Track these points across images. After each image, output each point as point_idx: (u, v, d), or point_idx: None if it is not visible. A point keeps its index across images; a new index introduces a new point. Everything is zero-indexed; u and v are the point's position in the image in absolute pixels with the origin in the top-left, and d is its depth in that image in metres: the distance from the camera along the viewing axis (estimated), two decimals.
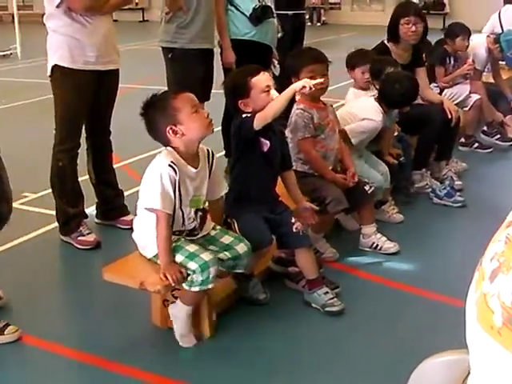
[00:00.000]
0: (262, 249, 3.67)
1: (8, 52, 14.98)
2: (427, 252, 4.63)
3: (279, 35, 6.10)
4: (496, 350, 1.12)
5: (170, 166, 3.19)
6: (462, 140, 6.89)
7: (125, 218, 4.92)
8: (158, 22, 19.13)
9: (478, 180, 6.10)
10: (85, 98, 4.48)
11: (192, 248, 3.29)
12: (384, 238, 4.53)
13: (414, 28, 5.56)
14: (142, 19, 24.27)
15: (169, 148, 3.30)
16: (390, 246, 4.51)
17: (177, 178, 3.21)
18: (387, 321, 3.75)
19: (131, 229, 4.76)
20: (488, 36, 7.54)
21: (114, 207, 4.96)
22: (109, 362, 3.32)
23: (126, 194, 5.13)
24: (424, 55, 5.99)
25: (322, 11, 24.14)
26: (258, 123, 3.56)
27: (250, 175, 3.70)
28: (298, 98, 4.12)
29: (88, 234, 4.61)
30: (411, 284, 4.13)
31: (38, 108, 9.49)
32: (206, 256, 3.24)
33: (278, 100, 3.57)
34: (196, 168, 3.33)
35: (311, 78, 3.90)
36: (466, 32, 6.88)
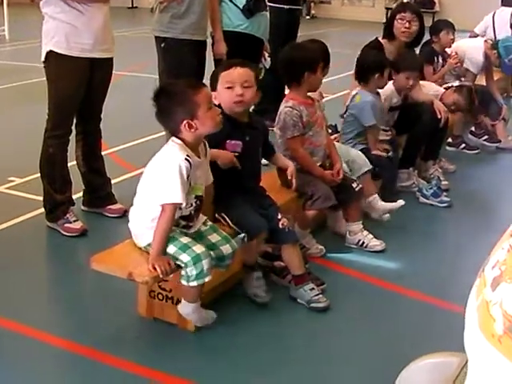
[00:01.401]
0: (260, 234, 3.64)
1: None
2: (412, 251, 4.65)
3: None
4: (496, 358, 1.13)
5: (186, 159, 3.19)
6: (450, 140, 6.92)
7: (112, 207, 4.91)
8: (147, 9, 19.05)
9: (465, 180, 6.13)
10: (79, 85, 4.47)
11: (185, 240, 3.29)
12: (370, 236, 4.55)
13: (407, 25, 5.59)
14: (131, 5, 24.11)
15: (177, 140, 3.28)
16: (376, 243, 4.53)
17: (190, 172, 3.22)
18: (372, 319, 3.77)
19: (118, 217, 4.84)
20: (486, 41, 7.57)
21: (102, 195, 4.94)
22: (94, 351, 3.31)
23: (113, 181, 5.13)
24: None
25: (312, 4, 24.13)
26: None
27: (227, 173, 3.68)
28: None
29: (74, 221, 4.60)
30: (396, 283, 4.15)
31: (25, 91, 9.45)
32: (199, 248, 3.25)
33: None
34: (199, 158, 3.34)
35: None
36: (449, 26, 6.92)
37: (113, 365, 3.23)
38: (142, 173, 5.58)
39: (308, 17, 23.60)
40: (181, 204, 3.22)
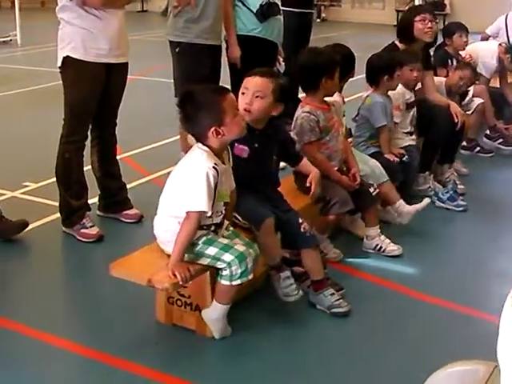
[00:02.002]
0: (265, 221, 3.57)
1: (8, 38, 14.89)
2: (430, 256, 4.63)
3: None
4: None
5: (213, 167, 3.19)
6: (464, 144, 6.89)
7: (128, 212, 4.90)
8: (157, 13, 19.18)
9: (480, 184, 6.11)
10: (95, 90, 4.47)
11: (224, 240, 3.31)
12: (388, 241, 4.53)
13: (430, 24, 5.57)
14: (141, 9, 24.14)
15: (204, 147, 3.27)
16: (393, 248, 4.51)
17: (218, 179, 3.21)
18: (391, 324, 3.75)
19: (134, 222, 4.84)
20: (500, 45, 7.54)
21: (118, 200, 4.94)
22: (112, 357, 3.31)
23: (128, 186, 5.11)
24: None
25: (322, 8, 24.10)
26: None
27: (238, 173, 3.60)
28: None
29: (91, 226, 4.59)
30: (414, 288, 4.13)
31: (37, 96, 9.48)
32: (241, 247, 3.27)
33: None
34: (224, 164, 3.33)
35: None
36: (462, 29, 6.87)
37: (131, 371, 3.22)
38: (156, 177, 5.74)
39: (318, 20, 23.56)
40: (206, 212, 3.21)
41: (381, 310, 3.89)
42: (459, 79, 6.18)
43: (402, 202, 4.79)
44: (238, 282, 3.26)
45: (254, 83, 3.68)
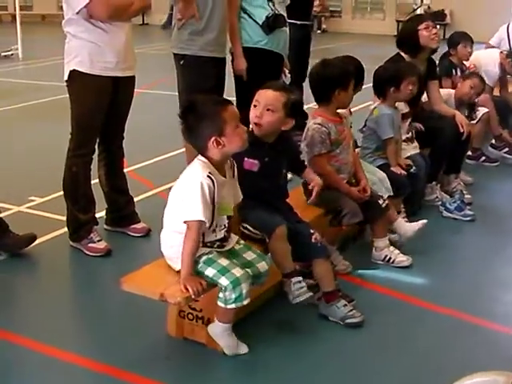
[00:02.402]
0: (276, 229, 3.56)
1: (9, 53, 14.93)
2: (439, 266, 4.62)
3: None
4: None
5: (208, 177, 3.19)
6: (469, 153, 6.88)
7: (136, 226, 4.89)
8: (158, 26, 19.25)
9: (486, 193, 6.11)
10: (102, 103, 4.46)
11: (224, 262, 3.27)
12: (397, 251, 4.52)
13: (434, 31, 5.57)
14: (142, 22, 24.22)
15: (202, 158, 3.28)
16: (403, 259, 4.50)
17: (214, 189, 3.20)
18: (403, 335, 3.73)
19: (142, 236, 4.82)
20: (501, 52, 7.55)
21: (125, 214, 4.93)
22: (123, 371, 3.29)
23: (135, 200, 5.09)
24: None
25: (323, 19, 24.16)
26: None
27: (248, 187, 3.60)
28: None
29: (99, 241, 4.58)
30: (425, 298, 4.12)
31: (39, 110, 9.48)
32: (238, 272, 3.23)
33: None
34: (224, 176, 3.32)
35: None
36: (466, 39, 6.88)
37: None
38: (162, 191, 5.73)
39: (319, 31, 23.65)
40: (203, 222, 3.18)
41: (392, 321, 3.86)
42: (470, 88, 6.17)
43: (400, 220, 4.76)
44: (233, 306, 3.24)
45: (265, 96, 3.67)
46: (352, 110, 5.17)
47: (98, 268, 4.48)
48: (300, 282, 3.64)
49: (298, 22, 7.21)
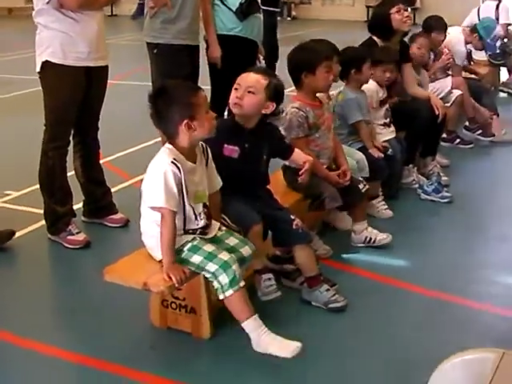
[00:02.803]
0: (252, 227, 3.55)
1: None
2: (418, 248, 4.64)
3: None
4: None
5: (172, 163, 3.16)
6: (444, 136, 6.90)
7: (113, 217, 4.86)
8: (127, 16, 18.96)
9: (462, 175, 6.14)
10: (76, 94, 4.42)
11: (209, 248, 3.25)
12: (376, 231, 4.54)
13: (406, 14, 5.58)
14: (110, 13, 23.99)
15: (168, 146, 3.25)
16: (383, 237, 4.53)
17: (181, 176, 3.17)
18: (387, 317, 3.74)
19: (120, 227, 4.79)
20: (463, 29, 7.66)
21: (102, 205, 4.89)
22: (107, 363, 3.26)
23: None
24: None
25: (293, 5, 24.14)
26: None
27: (225, 177, 3.58)
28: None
29: (77, 233, 4.54)
30: (406, 280, 4.13)
31: (10, 104, 9.37)
32: (225, 256, 3.20)
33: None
34: (194, 163, 3.30)
35: (327, 73, 4.15)
36: (441, 27, 6.87)
37: (127, 376, 3.18)
38: (138, 181, 5.69)
39: (289, 18, 23.63)
40: (170, 209, 3.14)
41: (374, 304, 3.87)
42: (418, 49, 6.11)
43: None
44: (231, 291, 3.17)
45: (247, 79, 3.66)
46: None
47: (78, 260, 4.45)
48: (270, 279, 3.62)
49: (270, 9, 7.25)
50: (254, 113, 3.68)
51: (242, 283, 3.21)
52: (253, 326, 3.22)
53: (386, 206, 5.09)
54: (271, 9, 7.63)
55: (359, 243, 4.53)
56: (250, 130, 3.71)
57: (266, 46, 6.56)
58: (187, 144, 3.24)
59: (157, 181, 3.14)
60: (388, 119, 5.41)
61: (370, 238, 4.51)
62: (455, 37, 7.64)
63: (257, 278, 3.64)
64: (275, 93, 3.67)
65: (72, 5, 4.21)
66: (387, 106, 5.43)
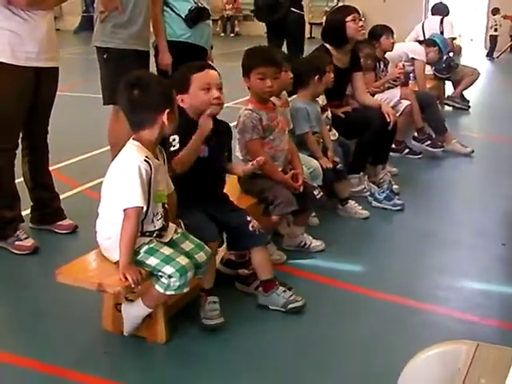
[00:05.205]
0: (207, 244, 3.47)
1: None
2: (372, 254, 4.65)
3: None
4: None
5: (145, 160, 3.09)
6: (393, 146, 6.94)
7: (62, 223, 4.75)
8: (69, 31, 18.82)
9: (412, 184, 6.18)
10: (25, 95, 4.30)
11: (167, 251, 3.18)
12: (310, 237, 4.56)
13: (360, 23, 5.58)
14: None
15: (134, 142, 3.17)
16: (317, 243, 4.55)
17: (151, 174, 3.10)
18: (346, 322, 3.70)
19: (69, 233, 4.68)
20: (420, 43, 7.83)
21: (51, 211, 4.76)
22: (60, 368, 3.16)
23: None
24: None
25: (236, 22, 24.23)
26: (179, 169, 3.51)
27: (189, 176, 3.55)
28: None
29: (25, 238, 4.41)
30: (362, 284, 4.12)
31: None
32: (183, 260, 3.15)
33: (192, 145, 3.52)
34: (158, 160, 3.23)
35: (261, 79, 4.08)
36: (388, 30, 6.94)
37: (80, 381, 3.09)
38: (86, 188, 5.59)
39: (232, 34, 23.71)
40: (141, 208, 3.08)
41: (333, 308, 3.84)
42: (363, 59, 6.17)
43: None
44: (172, 292, 3.17)
45: (215, 77, 3.64)
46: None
47: (27, 266, 4.32)
48: (215, 302, 3.53)
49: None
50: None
51: (186, 289, 3.20)
52: (144, 313, 3.29)
53: (361, 207, 5.22)
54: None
55: (292, 246, 4.52)
56: (212, 128, 3.65)
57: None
58: (155, 137, 3.17)
59: (131, 180, 3.05)
60: (328, 126, 5.36)
61: (305, 243, 4.51)
62: (414, 44, 7.80)
63: (202, 298, 3.55)
64: None
65: (20, 2, 4.11)
66: (328, 112, 5.38)
